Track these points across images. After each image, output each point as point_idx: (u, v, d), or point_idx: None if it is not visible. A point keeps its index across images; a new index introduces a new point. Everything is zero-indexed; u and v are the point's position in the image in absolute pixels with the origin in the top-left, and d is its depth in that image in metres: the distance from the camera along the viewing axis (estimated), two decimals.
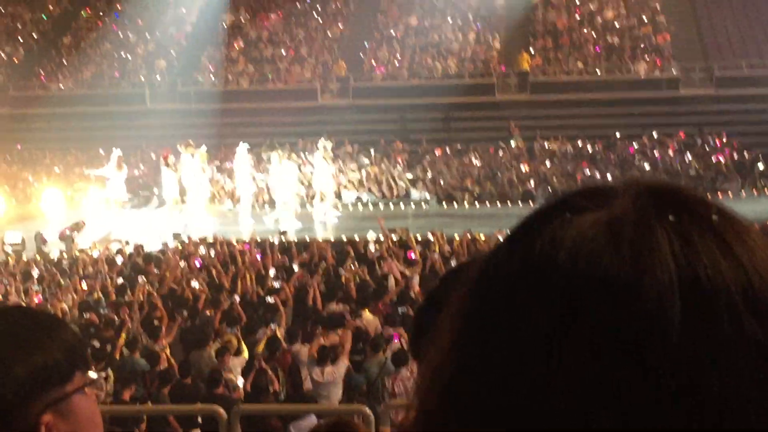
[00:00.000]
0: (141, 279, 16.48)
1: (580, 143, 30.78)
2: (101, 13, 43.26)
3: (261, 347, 12.26)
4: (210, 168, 25.90)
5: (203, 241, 20.37)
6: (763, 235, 0.75)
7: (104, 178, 26.59)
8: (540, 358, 0.70)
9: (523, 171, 28.29)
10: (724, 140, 30.67)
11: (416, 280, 15.59)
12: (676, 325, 0.67)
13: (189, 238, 20.70)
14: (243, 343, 12.21)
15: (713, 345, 0.68)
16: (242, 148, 25.69)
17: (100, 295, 15.92)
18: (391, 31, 39.71)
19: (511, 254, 0.75)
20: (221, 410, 8.13)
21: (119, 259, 19.04)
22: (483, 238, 18.54)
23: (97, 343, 12.36)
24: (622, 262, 0.69)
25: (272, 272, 16.93)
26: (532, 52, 37.00)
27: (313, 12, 41.92)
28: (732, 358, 0.68)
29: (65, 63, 40.05)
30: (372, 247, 18.83)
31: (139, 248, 20.12)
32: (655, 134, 31.27)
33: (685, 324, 0.67)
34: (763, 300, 0.69)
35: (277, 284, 15.80)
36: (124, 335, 12.93)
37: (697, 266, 0.69)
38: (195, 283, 15.93)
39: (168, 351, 12.40)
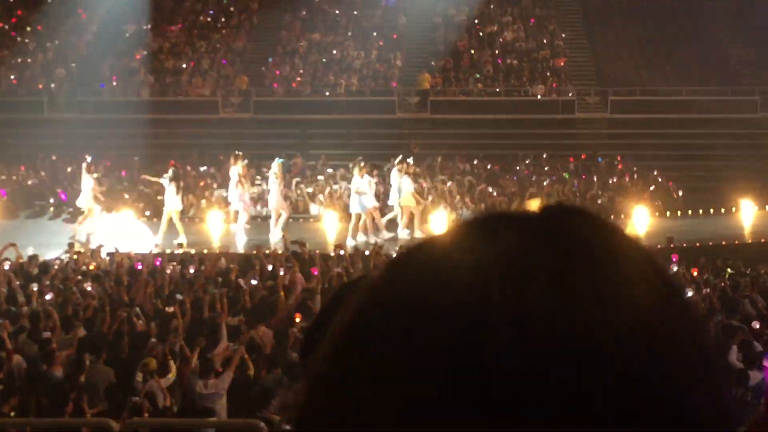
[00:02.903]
0: (33, 287, 16.19)
1: (478, 162, 31.22)
2: None
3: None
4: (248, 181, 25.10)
5: (99, 251, 20.19)
6: (653, 265, 0.74)
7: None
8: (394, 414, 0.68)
9: (423, 188, 28.47)
10: (619, 160, 31.50)
11: (318, 296, 15.66)
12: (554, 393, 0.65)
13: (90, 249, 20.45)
14: (170, 360, 12.00)
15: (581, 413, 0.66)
16: (275, 162, 24.89)
17: None
18: (294, 46, 39.81)
19: (384, 296, 0.73)
20: (113, 423, 8.11)
21: (10, 267, 18.66)
22: (386, 252, 18.72)
23: None
24: (498, 320, 0.67)
25: (171, 285, 16.85)
26: (433, 72, 37.48)
27: (216, 25, 41.77)
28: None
29: None
30: (271, 262, 18.81)
31: (33, 257, 19.78)
32: (551, 155, 31.88)
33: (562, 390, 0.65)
34: (636, 361, 0.67)
35: (179, 296, 15.69)
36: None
37: (573, 323, 0.67)
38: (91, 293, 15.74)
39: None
